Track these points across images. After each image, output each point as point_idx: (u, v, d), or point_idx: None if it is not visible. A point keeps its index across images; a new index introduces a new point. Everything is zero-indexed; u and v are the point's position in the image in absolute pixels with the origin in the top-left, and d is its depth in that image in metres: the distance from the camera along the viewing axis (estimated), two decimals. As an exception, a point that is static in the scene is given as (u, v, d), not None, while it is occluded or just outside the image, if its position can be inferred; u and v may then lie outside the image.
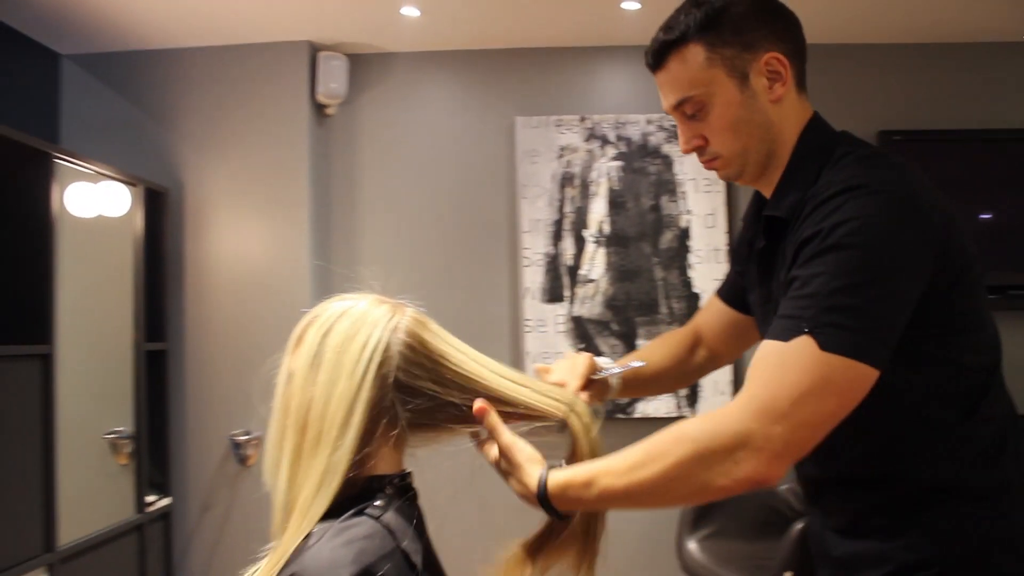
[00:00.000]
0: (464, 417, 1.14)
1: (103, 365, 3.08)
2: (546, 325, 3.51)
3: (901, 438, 1.14)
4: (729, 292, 1.56)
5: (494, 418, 1.13)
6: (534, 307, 3.52)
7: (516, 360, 3.52)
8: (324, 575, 0.93)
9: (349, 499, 1.04)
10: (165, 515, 3.23)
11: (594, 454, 1.14)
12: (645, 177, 3.53)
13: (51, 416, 2.53)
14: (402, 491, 1.11)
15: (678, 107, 1.26)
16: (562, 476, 1.08)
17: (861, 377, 1.02)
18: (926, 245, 1.07)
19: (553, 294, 3.52)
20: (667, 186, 3.52)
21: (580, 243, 3.53)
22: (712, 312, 1.60)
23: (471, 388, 1.13)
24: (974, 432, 1.12)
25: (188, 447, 3.38)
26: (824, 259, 1.05)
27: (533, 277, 3.53)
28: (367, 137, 3.66)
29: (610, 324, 3.49)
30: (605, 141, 3.55)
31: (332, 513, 1.02)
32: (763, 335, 1.22)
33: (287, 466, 1.06)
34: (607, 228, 3.53)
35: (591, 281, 3.52)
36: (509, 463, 1.13)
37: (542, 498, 1.08)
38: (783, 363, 1.03)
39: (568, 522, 1.12)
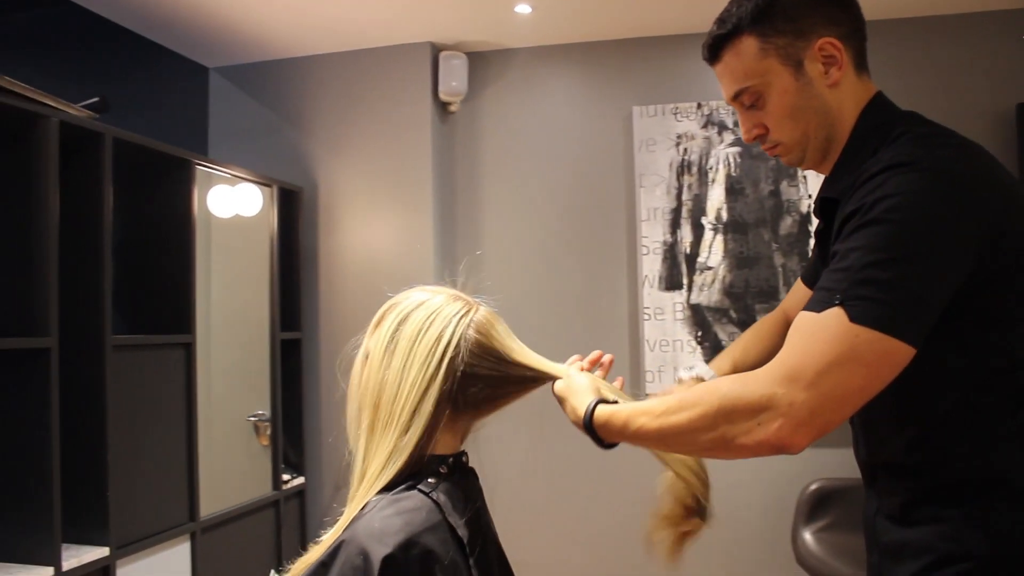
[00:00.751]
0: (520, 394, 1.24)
1: (245, 353, 3.34)
2: (664, 313, 3.52)
3: (951, 426, 1.12)
4: (809, 275, 1.57)
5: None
6: (652, 295, 3.54)
7: (635, 348, 3.55)
8: (371, 542, 1.02)
9: (406, 475, 1.15)
10: (300, 493, 3.47)
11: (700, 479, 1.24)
12: (764, 162, 3.48)
13: (193, 399, 2.77)
14: (456, 470, 1.20)
15: (736, 98, 1.30)
16: (606, 410, 1.18)
17: (890, 351, 1.00)
18: (974, 227, 1.04)
19: (671, 282, 3.53)
20: (786, 171, 3.46)
21: (698, 231, 3.52)
22: (797, 296, 1.60)
23: (533, 378, 1.24)
24: None
25: (321, 430, 3.61)
26: (862, 233, 1.04)
27: (651, 265, 3.55)
28: (488, 132, 3.78)
29: (729, 311, 3.47)
30: (723, 127, 3.52)
31: (390, 487, 1.13)
32: None
33: (363, 440, 1.17)
34: (725, 215, 3.50)
35: (709, 268, 3.50)
36: (567, 389, 1.24)
37: (588, 426, 1.18)
38: (813, 333, 1.03)
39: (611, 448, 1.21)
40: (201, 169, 2.92)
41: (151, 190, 2.83)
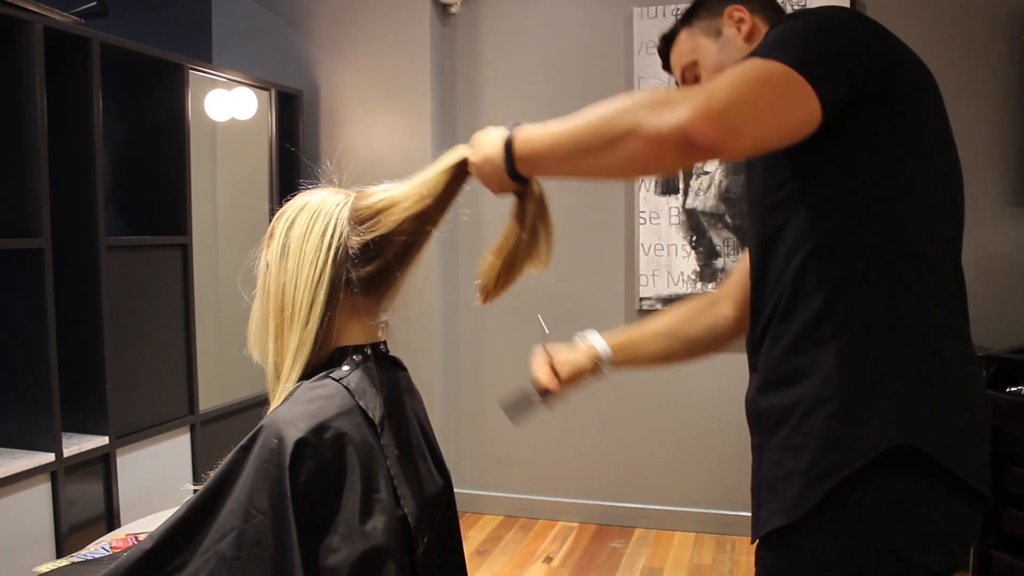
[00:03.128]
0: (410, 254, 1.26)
1: (250, 255, 3.43)
2: (659, 217, 3.55)
3: (807, 266, 1.17)
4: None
5: None
6: (648, 199, 3.56)
7: (629, 252, 3.59)
8: (285, 426, 1.11)
9: (323, 366, 1.23)
10: (302, 389, 3.61)
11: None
12: (765, 65, 3.43)
13: (190, 298, 2.88)
14: (374, 359, 1.27)
15: (683, 80, 1.50)
16: (524, 125, 1.18)
17: (798, 84, 1.05)
18: (869, 45, 1.14)
19: (667, 186, 3.54)
20: (787, 74, 3.41)
21: (696, 135, 3.50)
22: (738, 266, 1.61)
23: (411, 217, 1.23)
24: (894, 271, 1.13)
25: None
26: (773, 31, 1.16)
27: (648, 170, 3.55)
28: (488, 33, 3.77)
29: (724, 217, 3.48)
30: (724, 29, 3.47)
31: (307, 379, 1.21)
32: (751, 238, 1.31)
33: (272, 342, 1.25)
34: (723, 119, 3.48)
35: (706, 173, 3.50)
36: (477, 141, 1.23)
37: (508, 146, 1.17)
38: (731, 70, 1.07)
39: (525, 187, 1.23)
40: (195, 73, 2.96)
41: (146, 95, 2.88)
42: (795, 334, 1.18)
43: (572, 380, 1.58)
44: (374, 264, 1.23)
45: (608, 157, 1.09)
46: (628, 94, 1.09)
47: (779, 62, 1.05)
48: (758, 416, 1.26)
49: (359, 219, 1.23)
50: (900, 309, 1.13)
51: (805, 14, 1.18)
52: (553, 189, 1.25)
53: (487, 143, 1.20)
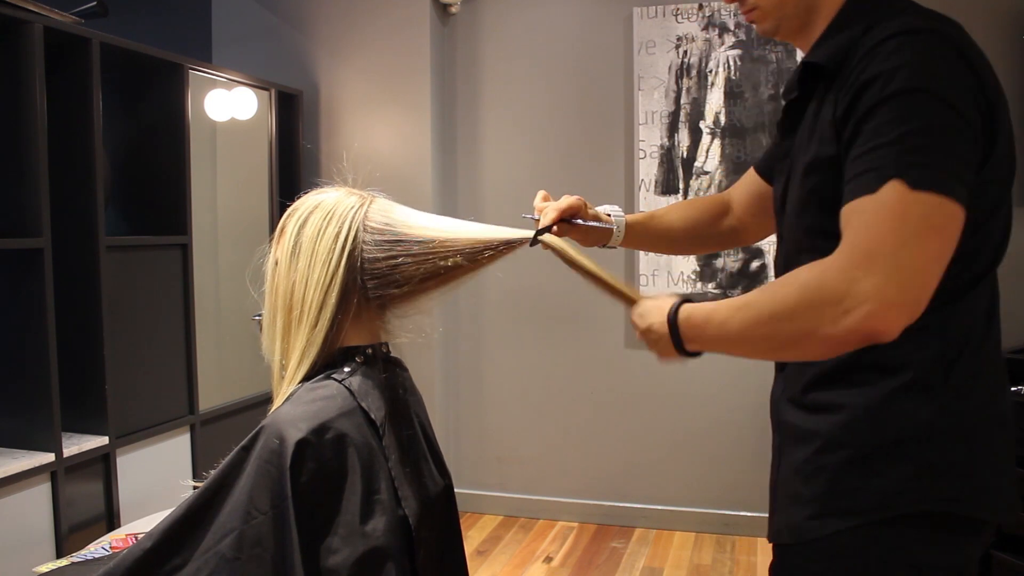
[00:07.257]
0: (425, 278, 1.25)
1: (249, 256, 3.43)
2: (660, 217, 3.54)
3: None
4: (763, 162, 1.53)
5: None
6: (648, 199, 3.56)
7: (630, 252, 3.59)
8: (286, 427, 1.11)
9: (323, 367, 1.23)
10: (302, 389, 3.61)
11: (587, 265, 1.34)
12: (765, 66, 3.44)
13: (190, 298, 2.88)
14: (376, 360, 1.27)
15: None
16: (688, 307, 1.15)
17: (955, 214, 0.97)
18: (982, 99, 1.04)
19: (667, 186, 3.54)
20: (788, 74, 3.41)
21: (696, 135, 3.51)
22: (745, 182, 1.57)
23: (431, 249, 1.24)
24: (945, 322, 1.09)
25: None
26: (890, 105, 1.00)
27: (648, 169, 3.56)
28: (488, 33, 3.77)
29: (724, 216, 3.48)
30: (724, 29, 3.47)
31: (308, 379, 1.21)
32: (776, 193, 1.25)
33: (279, 340, 1.25)
34: (723, 119, 3.48)
35: (706, 173, 3.50)
36: (644, 307, 1.23)
37: (672, 322, 1.15)
38: (877, 212, 0.97)
39: (692, 356, 1.17)
40: (195, 73, 2.96)
41: (146, 94, 2.88)
42: (830, 367, 1.14)
43: (568, 214, 1.50)
44: (388, 273, 1.23)
45: (784, 355, 1.16)
46: (790, 280, 1.04)
47: (930, 192, 0.96)
48: (781, 423, 1.24)
49: (377, 234, 1.23)
50: (941, 356, 1.09)
51: (926, 71, 1.01)
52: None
53: (652, 313, 1.19)
